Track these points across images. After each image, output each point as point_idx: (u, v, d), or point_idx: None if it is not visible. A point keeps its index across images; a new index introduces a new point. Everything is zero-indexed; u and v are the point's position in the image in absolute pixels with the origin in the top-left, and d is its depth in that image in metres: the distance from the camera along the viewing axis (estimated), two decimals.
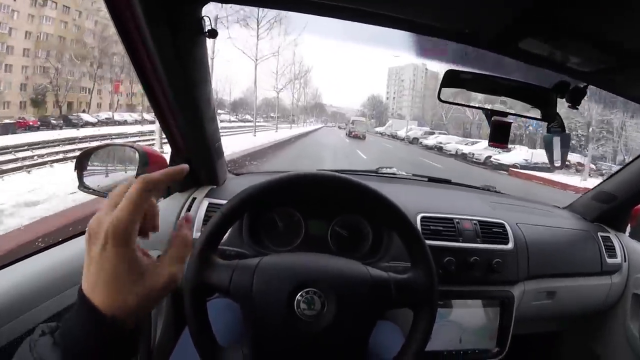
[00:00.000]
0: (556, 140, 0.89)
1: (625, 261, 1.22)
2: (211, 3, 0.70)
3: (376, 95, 68.54)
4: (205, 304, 0.59)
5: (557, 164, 0.91)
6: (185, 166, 0.44)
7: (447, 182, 1.43)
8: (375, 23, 0.70)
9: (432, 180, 1.42)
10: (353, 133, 26.20)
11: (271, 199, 0.66)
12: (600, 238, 1.20)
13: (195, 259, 0.58)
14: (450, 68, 0.82)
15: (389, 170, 1.44)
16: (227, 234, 0.91)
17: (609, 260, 1.18)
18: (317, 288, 0.57)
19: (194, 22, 0.69)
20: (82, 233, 0.84)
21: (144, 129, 18.74)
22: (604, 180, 1.27)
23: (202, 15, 0.70)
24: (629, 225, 1.31)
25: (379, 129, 41.05)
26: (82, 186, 1.03)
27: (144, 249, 0.40)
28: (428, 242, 0.93)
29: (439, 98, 0.82)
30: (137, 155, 1.02)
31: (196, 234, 0.93)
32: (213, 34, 0.72)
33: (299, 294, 0.56)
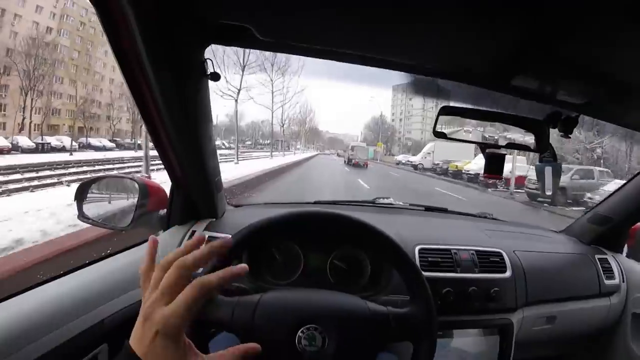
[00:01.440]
0: (548, 170, 0.91)
1: (623, 281, 1.22)
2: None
3: (379, 117, 56.57)
4: (206, 340, 0.60)
5: (548, 192, 0.93)
6: (245, 266, 0.45)
7: (443, 210, 1.45)
8: (371, 65, 0.72)
9: (428, 209, 1.44)
10: (353, 161, 23.10)
11: (271, 236, 0.67)
12: (597, 260, 1.21)
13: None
14: (445, 104, 0.84)
15: (385, 201, 1.46)
16: None
17: (607, 282, 1.19)
18: (318, 324, 0.58)
19: (197, 65, 0.71)
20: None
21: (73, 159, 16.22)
22: (599, 203, 1.28)
23: (205, 58, 0.72)
24: (627, 245, 1.32)
25: (412, 159, 29.37)
26: (82, 216, 1.04)
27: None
28: (426, 273, 0.94)
29: (434, 133, 0.84)
30: (136, 186, 1.03)
31: (198, 270, 0.93)
32: (215, 77, 0.74)
33: (300, 330, 0.57)
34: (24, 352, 0.60)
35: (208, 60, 0.72)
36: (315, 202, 1.21)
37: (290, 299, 0.62)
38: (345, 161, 26.29)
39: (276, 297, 0.62)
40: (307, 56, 0.71)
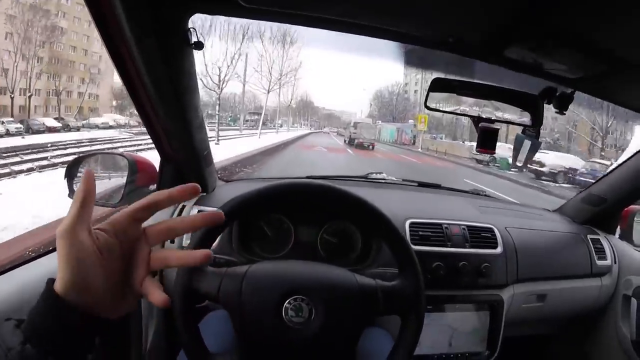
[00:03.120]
0: (526, 144, 0.91)
1: (615, 263, 1.23)
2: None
3: (390, 87, 43.95)
4: (195, 311, 0.60)
5: (519, 164, 0.93)
6: (209, 253, 0.42)
7: (437, 186, 1.44)
8: (360, 33, 0.70)
9: (422, 185, 1.43)
10: (357, 141, 18.84)
11: (260, 207, 0.67)
12: (589, 240, 1.21)
13: (184, 267, 0.58)
14: (437, 76, 0.82)
15: (378, 176, 1.45)
16: (216, 242, 0.91)
17: (599, 262, 1.19)
18: (305, 295, 0.58)
19: (181, 33, 0.69)
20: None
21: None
22: (594, 183, 1.28)
23: (189, 27, 0.70)
24: (619, 227, 1.32)
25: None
26: (73, 194, 1.03)
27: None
28: (417, 247, 0.95)
29: (425, 105, 0.83)
30: (126, 162, 1.02)
31: (186, 242, 0.93)
32: (199, 45, 0.72)
33: (287, 302, 0.57)
34: None
35: (192, 30, 0.70)
36: (307, 177, 1.21)
37: (278, 270, 0.62)
38: (345, 141, 22.01)
39: (264, 268, 0.62)
40: (294, 24, 0.70)
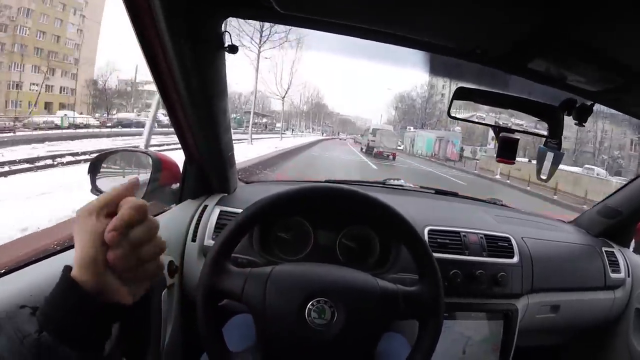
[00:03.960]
0: (549, 156, 0.91)
1: (629, 276, 1.22)
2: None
3: (419, 87, 38.70)
4: (216, 310, 0.61)
5: (544, 177, 0.93)
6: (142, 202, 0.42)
7: (454, 194, 1.45)
8: (383, 41, 0.72)
9: (439, 192, 1.44)
10: (375, 150, 16.85)
11: (283, 210, 0.69)
12: (604, 253, 1.21)
13: (209, 266, 0.60)
14: (461, 85, 0.83)
15: (396, 182, 1.46)
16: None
17: (613, 275, 1.19)
18: (328, 298, 0.59)
19: (215, 36, 0.71)
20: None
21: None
22: (610, 196, 1.28)
23: (224, 30, 0.72)
24: (634, 240, 1.31)
25: None
26: (95, 189, 1.05)
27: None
28: (435, 254, 0.95)
29: (448, 114, 0.84)
30: (150, 160, 1.04)
31: (208, 241, 0.95)
32: (233, 49, 0.74)
33: (310, 303, 0.58)
34: None
35: (226, 33, 0.72)
36: (326, 181, 1.22)
37: (301, 272, 0.64)
38: (362, 149, 19.77)
39: (288, 270, 0.63)
40: (327, 31, 0.71)
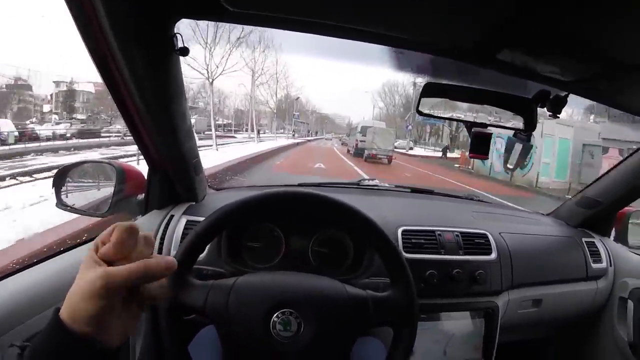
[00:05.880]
0: (518, 147, 0.90)
1: (610, 265, 1.22)
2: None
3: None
4: (182, 324, 0.59)
5: (511, 166, 0.92)
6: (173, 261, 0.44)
7: (430, 192, 1.43)
8: (351, 37, 0.69)
9: (414, 191, 1.42)
10: (367, 152, 14.41)
11: (247, 217, 0.66)
12: (584, 243, 1.21)
13: (169, 279, 0.57)
14: (430, 81, 0.81)
15: (371, 182, 1.44)
16: (205, 252, 0.90)
17: (594, 266, 1.18)
18: (293, 308, 0.56)
19: (166, 40, 0.68)
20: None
21: None
22: (587, 186, 1.27)
23: (175, 32, 0.68)
24: (614, 229, 1.31)
25: None
26: (61, 204, 1.01)
27: None
28: (409, 255, 0.94)
29: (417, 111, 0.81)
30: (114, 171, 1.00)
31: (173, 253, 0.91)
32: (184, 52, 0.70)
33: (275, 315, 0.56)
34: None
35: (178, 35, 0.69)
36: (300, 184, 1.19)
37: (265, 283, 0.61)
38: (349, 151, 17.24)
39: (251, 281, 0.61)
40: (283, 29, 0.68)
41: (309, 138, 34.55)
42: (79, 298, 0.37)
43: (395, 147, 19.56)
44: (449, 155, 20.93)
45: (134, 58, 0.66)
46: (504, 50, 0.68)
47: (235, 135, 27.95)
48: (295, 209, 0.67)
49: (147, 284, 0.43)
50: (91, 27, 0.60)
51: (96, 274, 0.37)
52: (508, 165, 0.95)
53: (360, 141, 15.35)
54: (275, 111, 27.53)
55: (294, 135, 30.99)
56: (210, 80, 14.85)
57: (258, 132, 24.97)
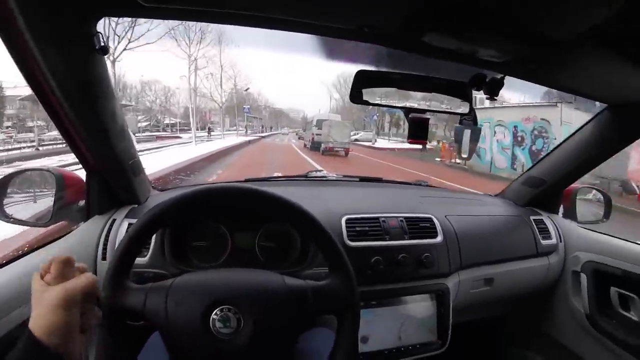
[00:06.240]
0: (466, 133, 0.91)
1: (560, 241, 1.26)
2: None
3: None
4: (128, 330, 0.58)
5: (465, 154, 0.93)
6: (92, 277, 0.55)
7: (378, 180, 1.44)
8: (271, 27, 0.69)
9: (363, 180, 1.43)
10: (324, 146, 14.23)
11: (180, 215, 0.64)
12: (532, 221, 1.24)
13: (107, 284, 0.56)
14: (361, 69, 0.81)
15: (318, 174, 1.44)
16: (149, 255, 0.88)
17: (544, 242, 1.22)
18: (231, 305, 0.56)
19: (86, 39, 0.65)
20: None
21: None
22: (532, 166, 1.31)
23: (96, 31, 0.66)
24: (562, 206, 1.36)
25: None
26: (4, 215, 0.97)
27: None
28: (354, 243, 0.94)
29: (351, 99, 0.81)
30: (53, 178, 0.97)
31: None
32: (104, 50, 0.68)
33: (214, 312, 0.55)
34: None
35: (99, 34, 0.67)
36: (246, 180, 1.18)
37: (201, 281, 0.60)
38: (306, 145, 16.85)
39: (188, 280, 0.59)
40: (200, 21, 0.67)
41: (262, 134, 31.72)
42: (47, 312, 0.44)
43: (357, 140, 19.39)
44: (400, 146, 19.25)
45: (54, 58, 0.64)
46: (429, 33, 0.68)
47: (182, 135, 25.16)
48: (230, 204, 0.66)
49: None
50: (9, 26, 0.57)
51: (56, 291, 0.46)
52: (462, 155, 0.97)
53: (317, 135, 15.03)
54: (221, 104, 23.79)
55: (246, 132, 28.08)
56: (112, 58, 12.76)
57: (209, 131, 24.02)
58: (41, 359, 0.42)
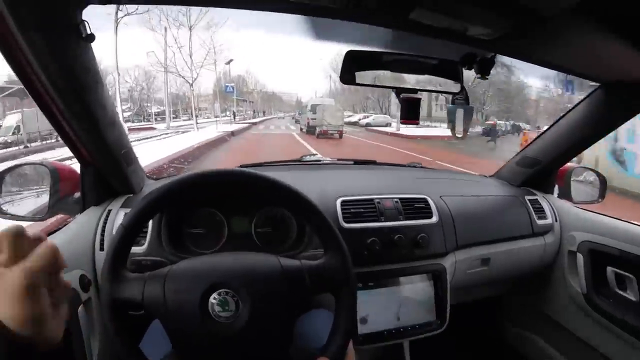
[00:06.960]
0: (459, 112, 0.91)
1: (556, 221, 1.27)
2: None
3: None
4: (129, 320, 0.58)
5: (459, 134, 0.93)
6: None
7: (372, 163, 1.44)
8: (253, 8, 0.68)
9: (357, 162, 1.43)
10: (319, 129, 14.66)
11: (174, 202, 0.64)
12: (528, 201, 1.25)
13: (105, 276, 0.56)
14: (351, 49, 0.81)
15: (313, 158, 1.44)
16: (146, 243, 0.88)
17: (540, 222, 1.23)
18: (229, 288, 0.56)
19: (73, 28, 0.65)
20: None
21: None
22: (527, 146, 1.31)
23: (82, 19, 0.66)
24: (557, 186, 1.36)
25: None
26: (0, 212, 0.97)
27: None
28: (350, 225, 0.94)
29: (341, 79, 0.81)
30: (48, 172, 0.97)
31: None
32: (90, 38, 0.68)
33: (212, 297, 0.55)
34: None
35: (85, 22, 0.66)
36: (241, 166, 1.18)
37: (198, 266, 0.60)
38: (302, 129, 17.20)
39: (185, 266, 0.60)
40: (179, 4, 0.67)
41: (253, 120, 26.95)
42: (11, 303, 0.38)
43: (370, 125, 19.66)
44: (436, 133, 16.17)
45: (40, 48, 0.63)
46: (416, 9, 0.68)
47: (156, 126, 21.12)
48: (224, 189, 0.65)
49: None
50: None
51: (15, 276, 0.38)
52: (457, 135, 0.96)
53: (312, 119, 15.42)
54: (192, 81, 18.24)
55: (233, 118, 23.44)
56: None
57: (197, 118, 20.07)
58: (14, 349, 0.37)
